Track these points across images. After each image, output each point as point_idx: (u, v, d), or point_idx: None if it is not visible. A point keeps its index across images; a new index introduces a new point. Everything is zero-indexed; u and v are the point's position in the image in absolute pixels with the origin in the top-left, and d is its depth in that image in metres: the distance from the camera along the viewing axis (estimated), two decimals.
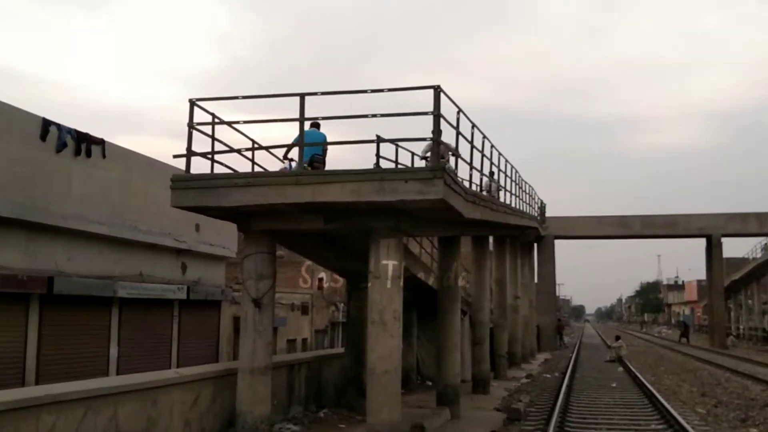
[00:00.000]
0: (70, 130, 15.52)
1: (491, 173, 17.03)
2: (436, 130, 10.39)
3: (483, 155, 14.97)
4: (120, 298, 17.18)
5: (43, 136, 14.84)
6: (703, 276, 64.51)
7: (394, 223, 11.01)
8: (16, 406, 7.81)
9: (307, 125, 11.55)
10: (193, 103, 11.24)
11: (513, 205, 21.52)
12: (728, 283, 60.64)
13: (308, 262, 35.69)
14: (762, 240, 54.66)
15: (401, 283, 11.14)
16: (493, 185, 17.85)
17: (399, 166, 12.62)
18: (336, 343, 37.66)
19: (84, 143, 15.85)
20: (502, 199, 17.52)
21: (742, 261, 64.47)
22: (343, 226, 11.49)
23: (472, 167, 13.64)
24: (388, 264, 10.93)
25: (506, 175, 19.46)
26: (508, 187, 19.87)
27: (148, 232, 17.93)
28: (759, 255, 57.35)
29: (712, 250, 47.87)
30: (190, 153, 11.29)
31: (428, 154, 12.23)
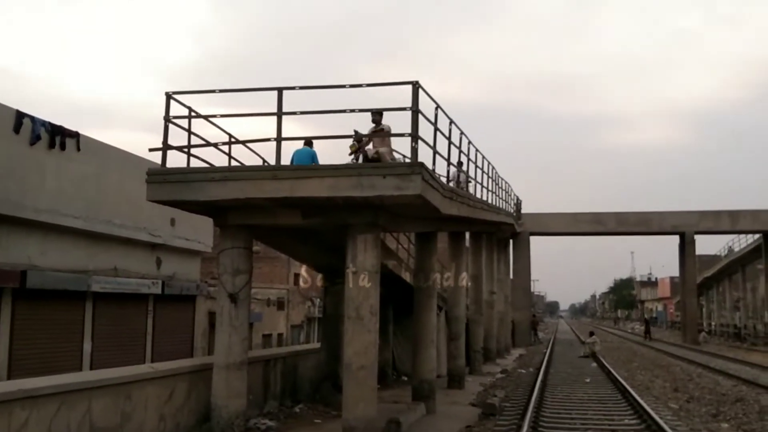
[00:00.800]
0: (44, 123, 15.36)
1: (459, 163, 16.32)
2: (414, 126, 10.40)
3: (460, 151, 15.01)
4: (94, 292, 17.06)
5: (17, 129, 14.68)
6: (676, 273, 65.23)
7: (372, 218, 11.01)
8: None
9: (300, 143, 11.66)
10: (169, 97, 11.16)
11: (489, 201, 21.59)
12: (701, 280, 61.38)
13: (284, 261, 35.63)
14: (734, 237, 55.39)
15: (378, 279, 11.14)
16: (462, 176, 17.17)
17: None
18: (312, 339, 37.66)
19: (58, 136, 15.70)
20: (471, 191, 17.22)
21: (714, 258, 65.28)
22: (321, 221, 11.47)
23: (449, 163, 13.68)
24: (365, 259, 10.93)
25: (483, 171, 19.53)
26: (485, 184, 19.92)
27: (122, 226, 17.81)
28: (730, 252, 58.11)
29: (685, 247, 48.41)
30: (166, 147, 11.21)
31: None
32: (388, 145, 12.19)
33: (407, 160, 11.73)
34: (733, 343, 50.23)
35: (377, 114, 11.90)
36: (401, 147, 13.10)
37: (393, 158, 12.25)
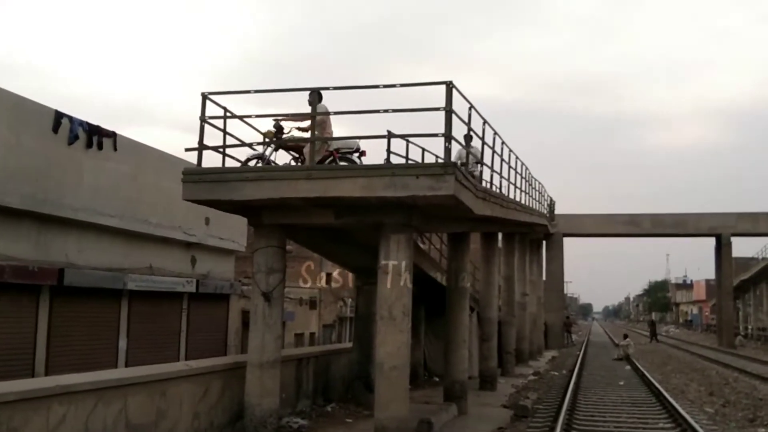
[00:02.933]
0: (81, 123, 15.56)
1: (468, 137, 13.42)
2: (448, 126, 10.38)
3: (493, 151, 14.94)
4: (129, 290, 17.23)
5: (56, 129, 14.87)
6: (711, 275, 64.31)
7: (405, 218, 11.01)
8: (27, 396, 7.85)
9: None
10: (205, 97, 11.27)
11: (522, 201, 21.49)
12: (737, 283, 60.43)
13: (309, 261, 35.71)
14: None
15: (411, 279, 11.14)
16: (470, 158, 13.77)
17: (410, 162, 12.64)
18: (343, 338, 37.69)
19: (95, 136, 15.89)
20: (479, 174, 14.89)
21: (751, 261, 64.26)
22: (354, 221, 11.50)
23: (482, 164, 13.63)
24: (397, 259, 10.94)
25: (516, 172, 19.43)
26: (518, 184, 19.82)
27: (158, 225, 17.98)
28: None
29: (722, 249, 47.72)
30: (201, 147, 11.32)
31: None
32: (325, 130, 11.85)
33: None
34: None
35: (315, 94, 11.64)
36: (434, 147, 13.04)
37: (327, 149, 11.93)
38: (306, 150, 11.83)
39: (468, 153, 12.96)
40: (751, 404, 17.65)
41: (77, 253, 15.64)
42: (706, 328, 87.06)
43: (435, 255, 20.86)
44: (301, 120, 11.78)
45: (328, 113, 11.83)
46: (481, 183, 13.10)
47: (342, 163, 11.82)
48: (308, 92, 11.55)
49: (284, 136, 11.96)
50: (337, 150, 11.95)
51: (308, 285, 35.96)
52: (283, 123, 11.89)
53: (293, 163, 12.19)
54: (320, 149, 11.87)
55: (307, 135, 11.60)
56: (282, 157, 12.38)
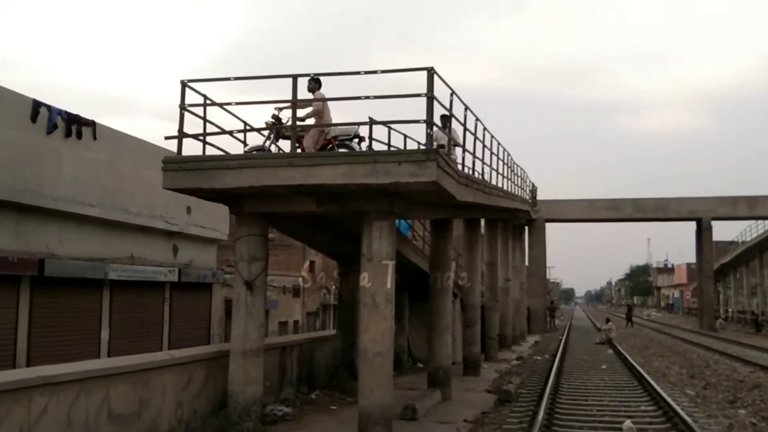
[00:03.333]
0: (60, 112, 15.42)
1: (444, 117, 12.48)
2: (429, 113, 10.35)
3: (475, 137, 14.94)
4: (111, 280, 17.15)
5: (34, 118, 14.74)
6: (692, 259, 64.90)
7: (387, 205, 10.99)
8: (8, 387, 7.78)
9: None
10: (184, 85, 11.16)
11: (505, 187, 21.52)
12: (717, 267, 60.99)
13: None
14: (751, 224, 54.98)
15: (393, 266, 11.14)
16: (443, 136, 12.55)
17: (392, 149, 12.61)
18: (327, 326, 37.75)
19: (75, 125, 15.76)
20: (460, 157, 14.10)
21: (731, 244, 64.85)
22: (336, 208, 11.47)
23: (464, 150, 13.61)
24: (380, 246, 10.93)
25: (498, 158, 19.46)
26: (500, 170, 19.85)
27: (139, 214, 17.88)
28: (748, 238, 57.68)
29: (702, 233, 48.13)
30: (181, 135, 11.22)
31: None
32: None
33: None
34: (749, 330, 49.92)
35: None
36: (416, 133, 13.01)
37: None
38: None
39: (450, 137, 12.86)
40: (731, 386, 17.84)
41: (58, 243, 15.54)
42: (688, 311, 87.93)
43: (418, 242, 20.88)
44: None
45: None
46: (459, 166, 13.03)
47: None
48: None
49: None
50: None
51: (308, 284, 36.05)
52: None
53: None
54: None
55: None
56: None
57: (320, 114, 11.73)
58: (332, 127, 11.90)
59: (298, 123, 11.51)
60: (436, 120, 10.80)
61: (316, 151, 11.49)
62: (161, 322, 19.63)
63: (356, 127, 12.01)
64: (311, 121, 11.90)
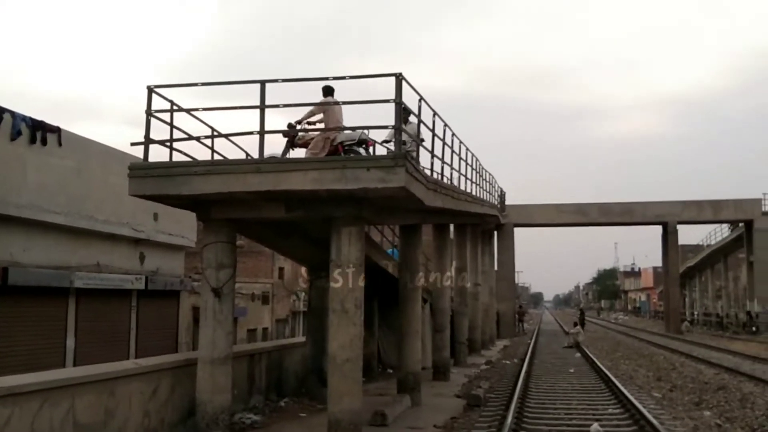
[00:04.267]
0: (24, 118, 15.22)
1: (403, 110, 11.17)
2: (398, 118, 10.37)
3: (444, 143, 14.99)
4: (77, 288, 16.95)
5: None
6: (659, 263, 65.76)
7: (356, 211, 10.98)
8: None
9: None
10: (151, 90, 11.06)
11: (474, 193, 21.62)
12: (683, 270, 61.89)
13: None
14: (716, 227, 55.83)
15: (363, 272, 11.13)
16: (406, 137, 11.64)
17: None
18: (297, 333, 37.66)
19: (39, 131, 15.56)
20: (427, 161, 13.57)
21: (696, 248, 65.78)
22: (305, 214, 11.43)
23: (433, 155, 13.65)
24: (349, 252, 10.91)
25: (467, 164, 19.54)
26: (469, 175, 19.94)
27: (105, 221, 17.70)
28: (713, 242, 58.57)
29: (668, 237, 48.75)
30: (148, 141, 11.11)
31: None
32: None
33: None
34: (715, 332, 50.67)
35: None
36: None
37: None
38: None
39: (417, 134, 12.80)
40: (697, 388, 18.07)
41: (22, 251, 15.32)
42: (654, 314, 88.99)
43: (387, 247, 20.89)
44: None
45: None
46: (428, 172, 13.04)
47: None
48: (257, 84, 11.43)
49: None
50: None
51: (267, 280, 35.77)
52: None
53: None
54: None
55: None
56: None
57: (328, 120, 11.86)
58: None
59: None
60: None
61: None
62: (128, 331, 19.44)
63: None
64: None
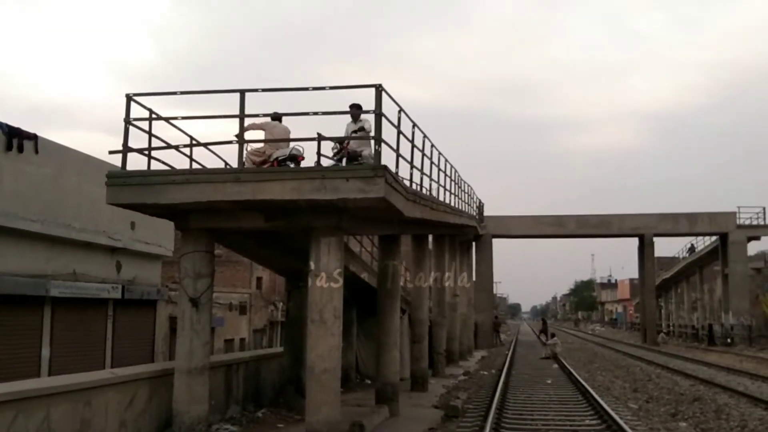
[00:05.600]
0: (1, 125, 15.08)
1: (353, 107, 11.98)
2: (378, 129, 10.42)
3: (423, 154, 15.05)
4: (52, 297, 16.77)
5: None
6: (635, 275, 66.19)
7: (335, 221, 11.00)
8: None
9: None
10: (129, 98, 11.03)
11: (452, 204, 21.69)
12: (659, 282, 62.44)
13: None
14: (692, 240, 56.37)
15: (341, 282, 11.13)
16: (361, 133, 11.96)
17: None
18: (275, 343, 37.48)
19: (15, 138, 15.41)
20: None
21: (672, 260, 66.34)
22: (284, 224, 11.42)
23: (412, 166, 13.70)
24: (328, 262, 10.91)
25: (446, 175, 19.63)
26: (447, 187, 20.02)
27: (82, 229, 17.55)
28: (688, 254, 59.12)
29: (645, 249, 49.15)
30: (126, 149, 11.08)
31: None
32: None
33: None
34: (690, 344, 51.07)
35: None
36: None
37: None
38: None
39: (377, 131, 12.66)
40: (673, 399, 18.19)
41: None
42: (631, 326, 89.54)
43: (366, 257, 20.89)
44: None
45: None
46: (407, 182, 13.07)
47: None
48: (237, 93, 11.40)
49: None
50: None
51: (245, 290, 35.58)
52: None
53: None
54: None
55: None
56: None
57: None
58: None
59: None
60: (385, 138, 10.84)
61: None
62: (104, 340, 19.25)
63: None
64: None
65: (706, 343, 48.26)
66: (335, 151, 11.94)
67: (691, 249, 60.73)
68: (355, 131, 11.94)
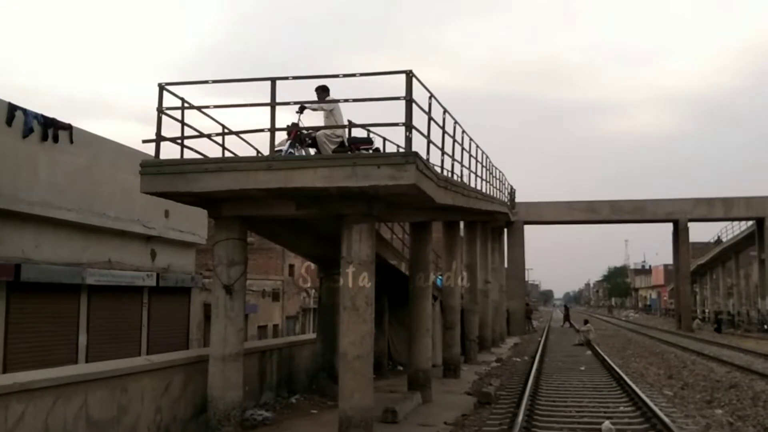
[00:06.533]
0: (36, 115, 15.28)
1: (320, 89, 12.04)
2: (408, 115, 10.37)
3: (454, 140, 14.99)
4: (89, 285, 17.01)
5: (9, 121, 14.59)
6: (669, 260, 65.48)
7: (367, 208, 10.99)
8: None
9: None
10: (162, 88, 11.09)
11: (483, 190, 21.59)
12: (694, 268, 61.65)
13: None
14: (727, 224, 55.58)
15: (373, 269, 11.14)
16: (323, 113, 12.15)
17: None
18: (307, 329, 37.68)
19: (51, 128, 15.62)
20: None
21: (707, 245, 65.50)
22: (315, 211, 11.44)
23: (443, 153, 13.64)
24: (360, 249, 10.92)
25: (477, 161, 19.53)
26: (479, 173, 19.93)
27: (116, 218, 17.76)
28: (724, 239, 58.32)
29: (679, 234, 48.57)
30: (159, 138, 11.15)
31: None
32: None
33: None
34: (726, 330, 50.45)
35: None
36: (395, 136, 13.01)
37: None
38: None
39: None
40: (708, 386, 18.00)
41: (34, 248, 15.39)
42: (665, 312, 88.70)
43: (398, 244, 20.89)
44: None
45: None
46: (438, 169, 13.00)
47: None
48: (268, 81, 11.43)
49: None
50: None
51: (278, 277, 35.78)
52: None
53: None
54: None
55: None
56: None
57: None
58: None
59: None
60: (416, 124, 10.80)
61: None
62: (139, 327, 19.50)
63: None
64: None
65: (713, 330, 47.98)
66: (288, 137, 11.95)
67: (718, 241, 60.16)
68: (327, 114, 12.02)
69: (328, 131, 11.91)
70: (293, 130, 11.72)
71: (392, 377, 18.73)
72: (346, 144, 12.02)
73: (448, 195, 13.52)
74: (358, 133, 12.60)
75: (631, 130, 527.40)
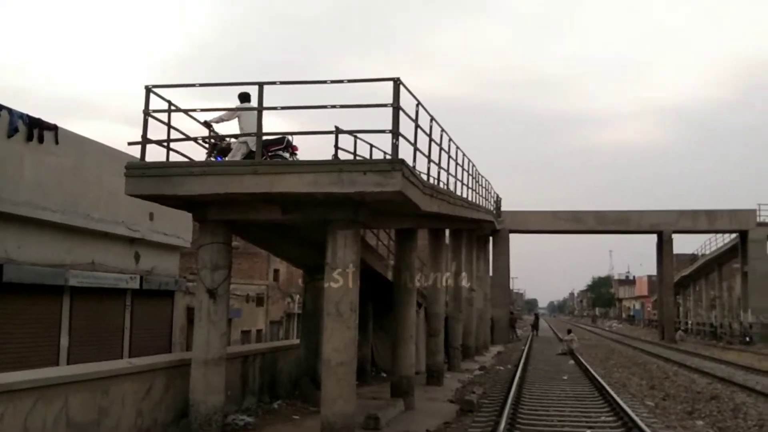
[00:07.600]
0: (21, 115, 15.20)
1: (241, 96, 12.31)
2: (395, 123, 10.40)
3: (441, 148, 15.03)
4: (71, 286, 16.92)
5: None
6: (653, 271, 65.77)
7: (352, 214, 11.01)
8: None
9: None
10: (149, 90, 11.07)
11: (470, 198, 21.65)
12: (678, 279, 62.02)
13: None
14: (711, 237, 55.91)
15: (358, 275, 11.14)
16: (242, 121, 12.17)
17: (357, 158, 12.62)
18: (291, 335, 37.61)
19: (36, 129, 15.54)
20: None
21: (691, 257, 65.87)
22: (301, 217, 11.45)
23: (430, 160, 13.68)
24: (345, 255, 10.93)
25: (463, 169, 19.58)
26: (465, 181, 19.97)
27: (101, 220, 17.67)
28: (707, 252, 58.66)
29: (663, 246, 48.85)
30: (145, 140, 11.13)
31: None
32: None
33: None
34: (708, 341, 50.73)
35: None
36: (382, 143, 13.03)
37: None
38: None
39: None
40: (690, 397, 18.08)
41: (17, 248, 15.29)
42: (648, 323, 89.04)
43: (383, 251, 20.90)
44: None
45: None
46: (424, 176, 13.04)
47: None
48: (255, 86, 11.42)
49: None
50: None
51: (262, 282, 35.67)
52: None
53: None
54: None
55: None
56: None
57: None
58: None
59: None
60: (403, 131, 10.82)
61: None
62: (122, 330, 19.40)
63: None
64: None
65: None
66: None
67: (693, 258, 60.79)
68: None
69: (234, 139, 12.12)
70: (210, 143, 11.97)
71: (375, 384, 18.71)
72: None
73: (434, 203, 13.55)
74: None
75: (618, 142, 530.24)
